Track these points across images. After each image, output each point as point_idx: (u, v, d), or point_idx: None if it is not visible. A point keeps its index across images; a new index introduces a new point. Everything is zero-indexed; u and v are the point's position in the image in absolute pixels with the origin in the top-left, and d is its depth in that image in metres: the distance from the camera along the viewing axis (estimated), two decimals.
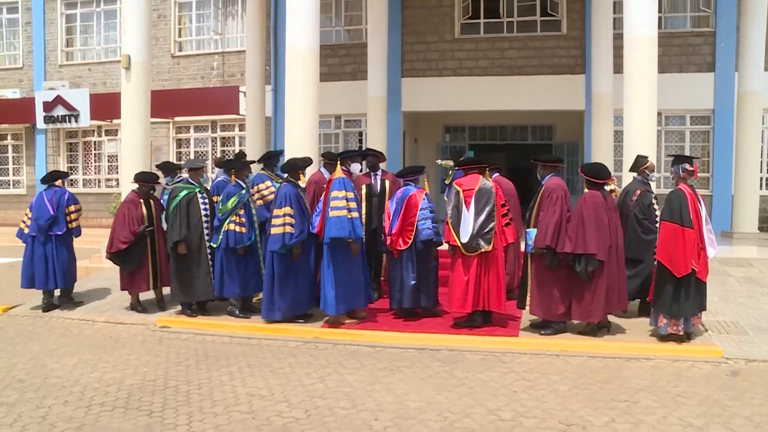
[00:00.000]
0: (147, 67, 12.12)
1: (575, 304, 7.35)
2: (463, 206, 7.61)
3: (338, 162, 8.11)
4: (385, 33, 15.50)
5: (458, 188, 7.72)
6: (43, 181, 9.66)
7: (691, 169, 7.30)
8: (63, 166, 19.68)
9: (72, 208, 9.40)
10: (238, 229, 8.27)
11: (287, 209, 7.83)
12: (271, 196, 8.58)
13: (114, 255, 8.89)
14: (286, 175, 8.29)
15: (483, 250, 7.55)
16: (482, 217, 7.56)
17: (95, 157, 19.91)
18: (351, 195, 7.82)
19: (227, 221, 8.27)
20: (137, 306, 9.13)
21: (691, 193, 7.09)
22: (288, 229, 7.79)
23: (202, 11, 18.76)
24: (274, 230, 7.83)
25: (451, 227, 7.66)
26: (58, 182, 9.58)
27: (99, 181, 19.66)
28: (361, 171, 8.58)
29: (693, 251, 6.92)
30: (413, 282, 8.05)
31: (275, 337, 7.82)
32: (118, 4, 18.58)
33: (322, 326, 8.06)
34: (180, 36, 18.97)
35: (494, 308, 7.71)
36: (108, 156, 19.55)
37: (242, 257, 8.42)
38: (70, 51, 20.11)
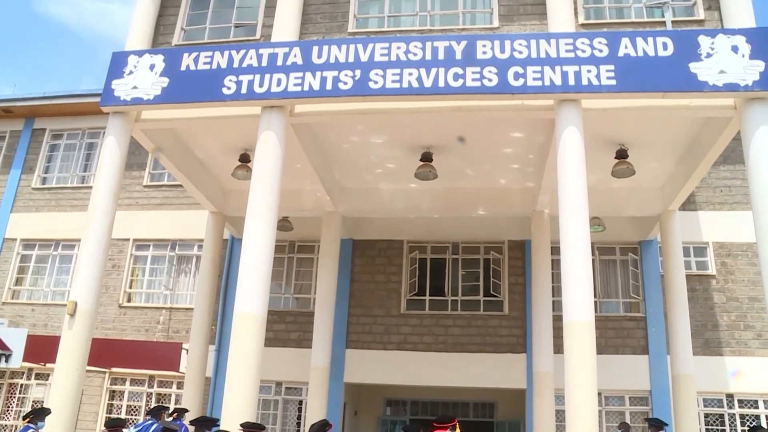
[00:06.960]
0: (92, 316, 11.94)
1: None
2: None
3: None
4: (332, 304, 15.53)
5: None
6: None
7: None
8: None
9: None
10: None
11: None
12: None
13: None
14: None
15: None
16: None
17: (19, 401, 18.76)
18: None
19: None
20: None
21: None
22: None
23: (156, 265, 19.12)
24: None
25: None
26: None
27: (15, 428, 18.31)
28: None
29: None
30: None
31: None
32: (76, 250, 18.95)
33: None
34: (131, 287, 19.09)
35: None
36: (33, 401, 18.36)
37: None
38: (17, 289, 19.94)
